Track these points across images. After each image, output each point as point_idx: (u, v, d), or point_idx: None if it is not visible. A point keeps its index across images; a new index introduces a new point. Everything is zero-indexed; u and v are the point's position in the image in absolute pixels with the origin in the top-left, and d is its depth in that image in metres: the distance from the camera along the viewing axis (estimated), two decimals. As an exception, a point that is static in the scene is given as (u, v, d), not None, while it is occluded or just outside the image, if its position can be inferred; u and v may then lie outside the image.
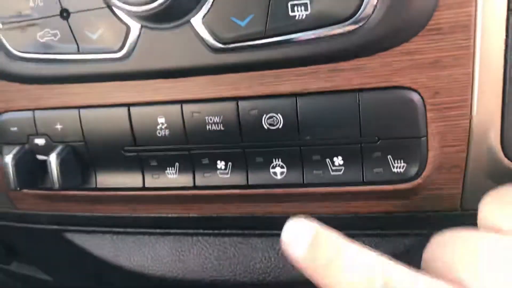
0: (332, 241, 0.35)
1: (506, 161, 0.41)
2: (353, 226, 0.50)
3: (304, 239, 0.35)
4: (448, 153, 0.43)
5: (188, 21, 0.41)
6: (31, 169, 0.51)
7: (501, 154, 0.41)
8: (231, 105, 0.44)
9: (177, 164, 0.48)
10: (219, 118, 0.45)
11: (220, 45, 0.41)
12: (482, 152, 0.42)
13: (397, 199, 0.46)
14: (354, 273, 0.33)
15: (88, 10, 0.43)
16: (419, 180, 0.43)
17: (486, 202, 0.36)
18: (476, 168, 0.43)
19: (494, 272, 0.30)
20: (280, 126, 0.44)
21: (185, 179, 0.48)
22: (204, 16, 0.41)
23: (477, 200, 0.45)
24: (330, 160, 0.44)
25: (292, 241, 0.35)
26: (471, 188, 0.44)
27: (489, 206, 0.36)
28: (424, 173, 0.43)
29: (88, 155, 0.50)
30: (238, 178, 0.47)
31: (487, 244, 0.32)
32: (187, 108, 0.45)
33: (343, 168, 0.44)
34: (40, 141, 0.50)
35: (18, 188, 0.50)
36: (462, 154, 0.42)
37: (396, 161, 0.43)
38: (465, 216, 0.46)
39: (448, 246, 0.34)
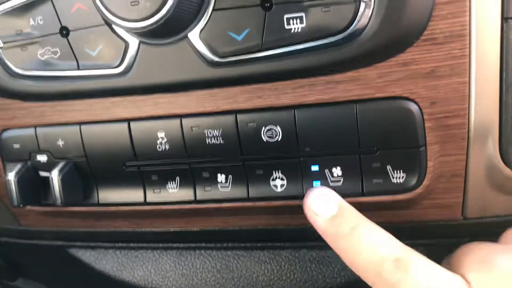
0: (354, 215, 0.40)
1: (505, 169, 0.41)
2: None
3: (330, 209, 0.40)
4: (448, 162, 0.43)
5: (186, 36, 0.42)
6: (33, 186, 0.51)
7: (500, 162, 0.41)
8: (229, 118, 0.44)
9: (177, 178, 0.48)
10: (218, 132, 0.45)
11: (217, 59, 0.42)
12: (482, 160, 0.42)
13: (397, 209, 0.46)
14: (372, 245, 0.38)
15: (87, 27, 0.43)
16: (419, 190, 0.43)
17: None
18: (476, 176, 0.43)
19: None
20: (279, 139, 0.44)
21: (186, 193, 0.49)
22: (201, 31, 0.41)
23: (479, 208, 0.45)
24: (329, 171, 0.44)
25: (318, 209, 0.41)
26: (472, 197, 0.44)
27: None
28: (424, 183, 0.43)
29: (90, 170, 0.50)
30: (238, 191, 0.47)
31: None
32: (186, 122, 0.45)
33: (342, 179, 0.44)
34: (42, 158, 0.51)
35: (21, 205, 0.50)
36: (461, 163, 0.42)
37: (395, 172, 0.43)
38: (467, 225, 0.46)
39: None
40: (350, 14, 0.38)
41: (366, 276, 0.38)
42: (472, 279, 0.36)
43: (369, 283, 0.38)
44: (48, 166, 0.50)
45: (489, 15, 0.38)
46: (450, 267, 0.39)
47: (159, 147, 0.47)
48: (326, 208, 0.41)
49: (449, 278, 0.36)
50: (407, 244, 0.49)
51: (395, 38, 0.39)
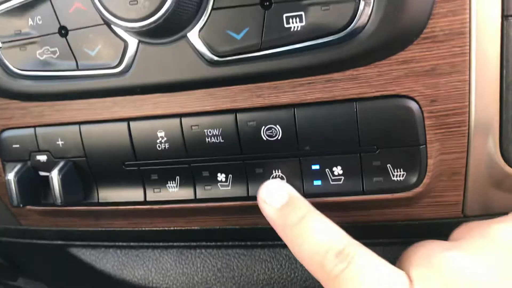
0: (304, 205, 0.41)
1: (505, 166, 0.41)
2: (354, 235, 0.50)
3: (280, 199, 0.41)
4: (448, 160, 0.42)
5: (185, 35, 0.42)
6: (33, 186, 0.51)
7: (500, 160, 0.41)
8: (229, 117, 0.44)
9: (177, 177, 0.48)
10: (218, 131, 0.45)
11: (216, 58, 0.42)
12: (482, 158, 0.42)
13: (398, 207, 0.46)
14: (318, 235, 0.39)
15: (86, 27, 0.43)
16: (419, 188, 0.43)
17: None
18: (477, 174, 0.43)
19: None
20: (279, 137, 0.44)
21: (186, 192, 0.48)
22: (200, 30, 0.41)
23: (480, 206, 0.45)
24: (330, 170, 0.44)
25: (269, 199, 0.42)
26: (472, 195, 0.44)
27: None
28: (425, 181, 0.43)
29: (90, 170, 0.50)
30: (238, 190, 0.47)
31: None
32: (186, 121, 0.45)
33: (342, 177, 0.44)
34: (42, 158, 0.51)
35: (21, 205, 0.50)
36: (462, 161, 0.42)
37: (395, 170, 0.43)
38: (467, 223, 0.46)
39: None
40: (349, 12, 0.38)
41: (310, 266, 0.39)
42: (414, 275, 0.36)
43: (313, 274, 0.39)
44: (48, 166, 0.50)
45: (489, 12, 0.38)
46: (399, 263, 0.39)
47: (159, 147, 0.47)
48: (276, 197, 0.42)
49: (391, 272, 0.37)
50: (408, 242, 0.50)
51: (395, 36, 0.39)
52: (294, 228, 0.40)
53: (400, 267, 0.38)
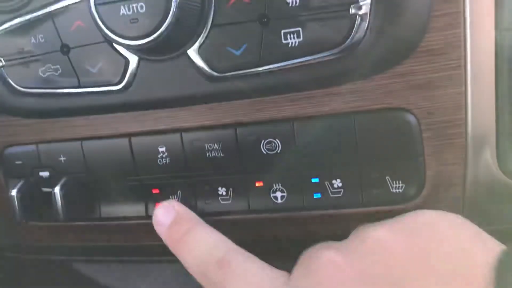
0: (188, 219, 0.43)
1: (503, 177, 0.42)
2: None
3: (168, 218, 0.44)
4: (446, 172, 0.43)
5: (185, 52, 0.42)
6: (36, 202, 0.52)
7: (498, 171, 0.42)
8: (229, 132, 0.45)
9: (179, 192, 0.49)
10: (219, 145, 0.45)
11: (216, 74, 0.42)
12: (480, 170, 0.42)
13: (397, 219, 0.46)
14: (199, 247, 0.40)
15: (87, 45, 0.44)
16: (418, 200, 0.43)
17: None
18: (475, 185, 0.43)
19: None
20: (279, 151, 0.44)
21: (188, 206, 0.49)
22: (200, 47, 0.42)
23: (478, 217, 0.45)
24: (329, 183, 0.44)
25: (159, 219, 0.44)
26: (471, 206, 0.44)
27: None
28: (423, 193, 0.43)
29: (92, 186, 0.50)
30: (239, 204, 0.47)
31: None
32: (187, 136, 0.46)
33: (342, 190, 0.44)
34: (44, 174, 0.51)
35: (24, 221, 0.51)
36: (460, 172, 0.43)
37: (394, 182, 0.43)
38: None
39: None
40: (346, 27, 0.39)
41: (197, 278, 0.40)
42: (293, 275, 0.37)
43: (202, 284, 0.40)
44: (51, 182, 0.51)
45: (483, 26, 0.39)
46: None
47: (160, 162, 0.47)
48: (165, 216, 0.44)
49: (270, 273, 0.38)
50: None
51: (391, 50, 0.40)
52: (179, 243, 0.41)
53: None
